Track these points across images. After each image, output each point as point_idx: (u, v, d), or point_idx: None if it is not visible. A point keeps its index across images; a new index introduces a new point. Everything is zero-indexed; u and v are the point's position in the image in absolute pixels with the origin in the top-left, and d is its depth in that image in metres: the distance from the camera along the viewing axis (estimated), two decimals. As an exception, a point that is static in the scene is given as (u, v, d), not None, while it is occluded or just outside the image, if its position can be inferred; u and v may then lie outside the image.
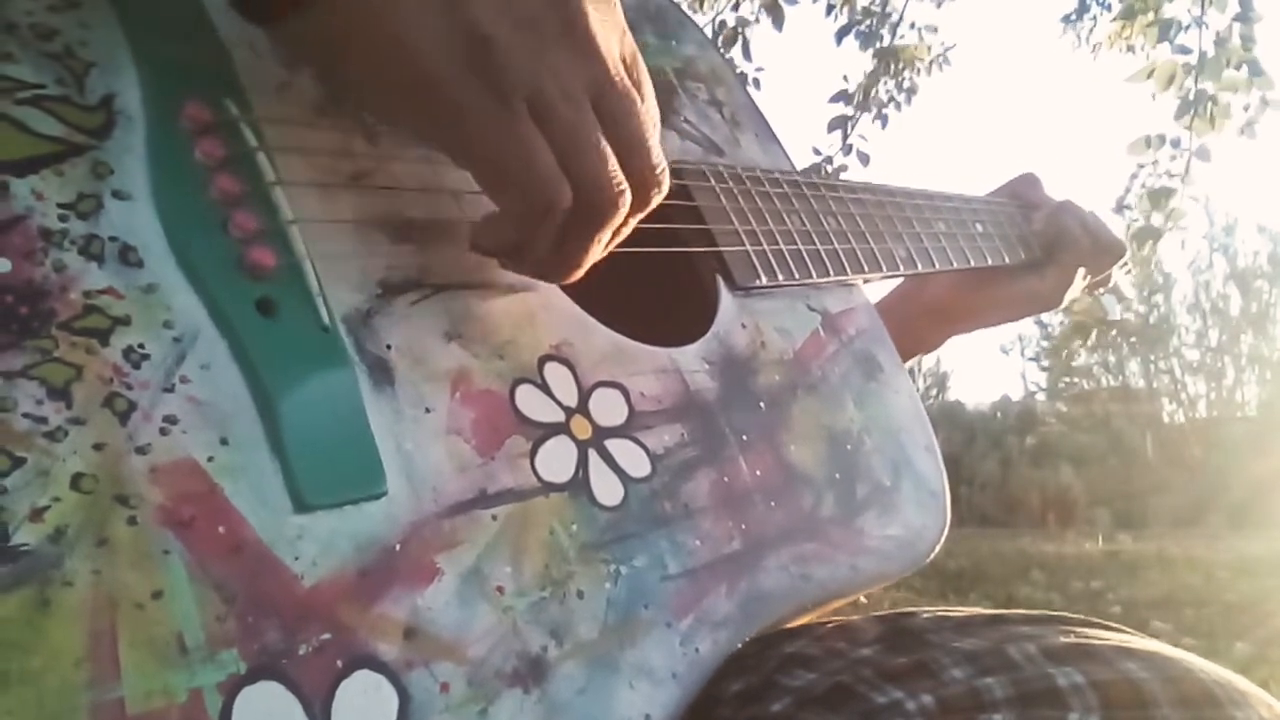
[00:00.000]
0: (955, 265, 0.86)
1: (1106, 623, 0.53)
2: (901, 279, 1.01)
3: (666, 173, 0.49)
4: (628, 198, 0.47)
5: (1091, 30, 3.41)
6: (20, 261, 0.38)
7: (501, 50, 0.42)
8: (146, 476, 0.37)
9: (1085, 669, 0.46)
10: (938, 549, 0.66)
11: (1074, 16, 3.46)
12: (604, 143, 0.46)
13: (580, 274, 0.50)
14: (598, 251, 0.49)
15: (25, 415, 0.36)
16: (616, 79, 0.46)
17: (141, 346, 0.39)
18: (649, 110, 0.48)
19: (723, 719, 0.52)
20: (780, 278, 0.68)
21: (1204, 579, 5.55)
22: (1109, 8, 3.34)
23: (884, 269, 0.77)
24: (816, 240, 0.73)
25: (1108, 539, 7.54)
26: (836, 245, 0.74)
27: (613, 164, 0.46)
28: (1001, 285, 0.98)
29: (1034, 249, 0.99)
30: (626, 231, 0.50)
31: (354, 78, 0.45)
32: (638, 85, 0.48)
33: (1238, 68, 2.45)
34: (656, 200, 0.49)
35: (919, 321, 0.99)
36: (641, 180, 0.48)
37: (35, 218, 0.39)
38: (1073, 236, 0.99)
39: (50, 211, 0.40)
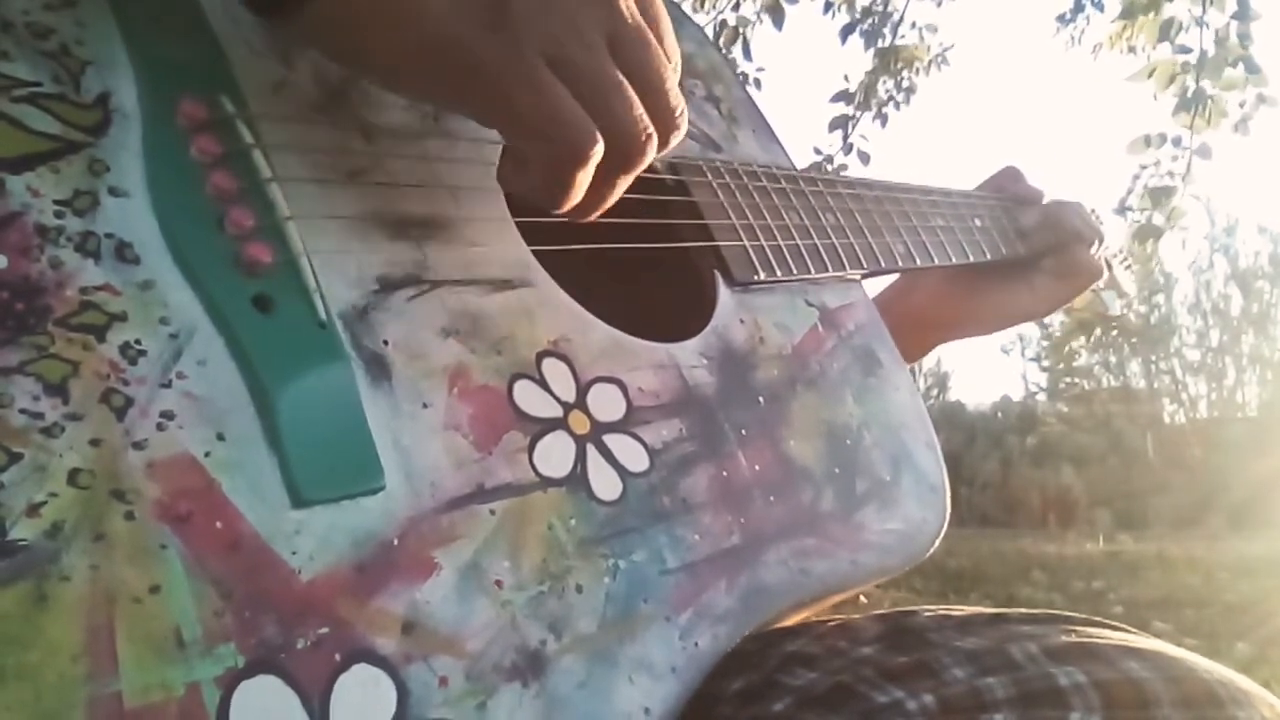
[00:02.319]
0: (954, 260, 0.86)
1: (1108, 622, 0.53)
2: (888, 285, 1.00)
3: (685, 114, 0.49)
4: (655, 139, 0.47)
5: (1084, 30, 3.42)
6: (16, 258, 0.38)
7: (515, 7, 0.43)
8: (143, 472, 0.37)
9: (1087, 668, 0.46)
10: (938, 543, 0.66)
11: (1069, 16, 3.46)
12: (626, 86, 0.46)
13: (599, 214, 0.50)
14: (619, 192, 0.49)
15: (22, 411, 0.36)
16: (631, 22, 0.46)
17: (138, 343, 0.39)
18: (667, 48, 0.48)
19: (723, 718, 0.52)
20: (778, 273, 0.68)
21: (1205, 579, 5.54)
22: (1102, 8, 3.34)
23: (882, 264, 0.77)
24: (814, 235, 0.73)
25: (1108, 539, 7.54)
26: (835, 240, 0.74)
27: (637, 106, 0.46)
28: (987, 295, 0.97)
29: (1017, 246, 0.98)
30: (640, 170, 0.50)
31: (373, 53, 0.45)
32: (653, 23, 0.48)
33: (1234, 65, 2.46)
34: (675, 140, 0.50)
35: (901, 329, 0.98)
36: (663, 120, 0.48)
37: (31, 214, 0.39)
38: (1075, 231, 0.98)
39: (46, 208, 0.40)
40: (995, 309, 0.98)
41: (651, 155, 0.48)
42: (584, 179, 0.47)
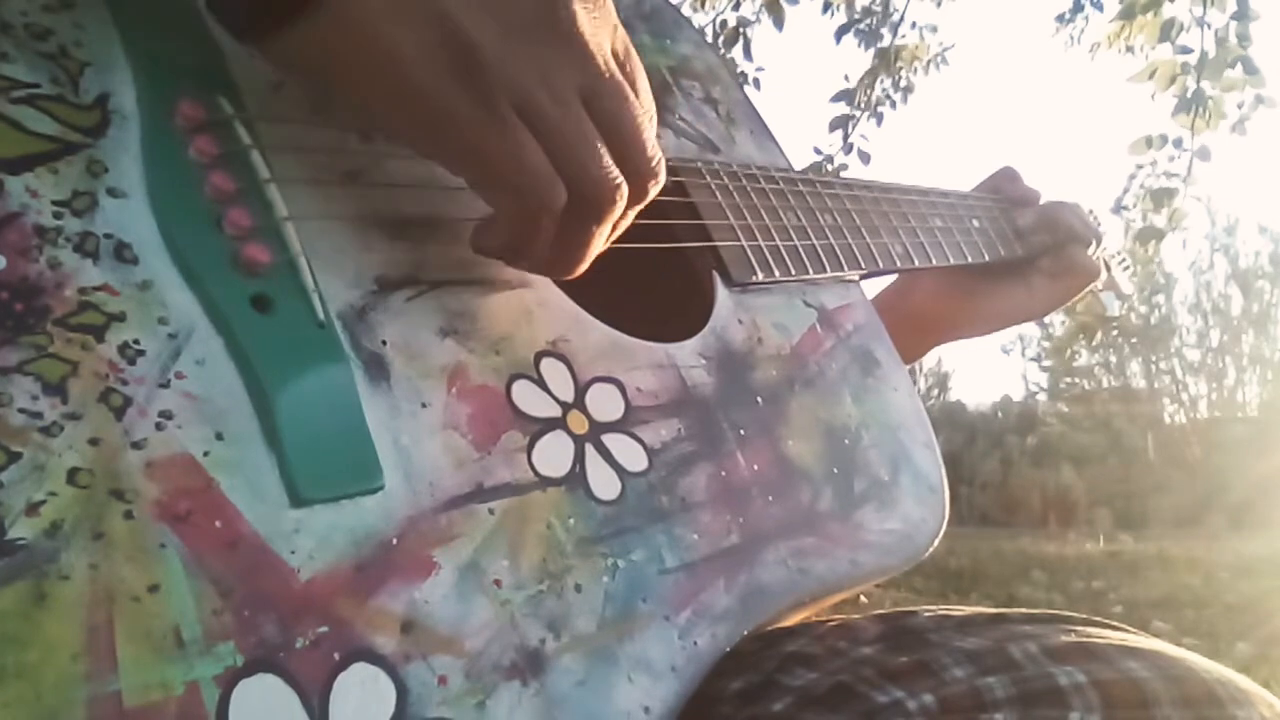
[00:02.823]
0: (952, 261, 0.86)
1: (1108, 622, 0.53)
2: (886, 287, 1.00)
3: (663, 164, 0.49)
4: (624, 191, 0.47)
5: (1083, 30, 3.42)
6: (15, 258, 0.38)
7: (486, 55, 0.42)
8: (142, 471, 0.37)
9: (1087, 668, 0.45)
10: (936, 543, 0.66)
11: (1067, 16, 3.47)
12: (596, 139, 0.46)
13: (583, 268, 0.50)
14: (599, 245, 0.49)
15: (21, 410, 0.36)
16: (606, 75, 0.46)
17: (137, 342, 0.40)
18: (643, 103, 0.48)
19: (723, 717, 0.52)
20: (777, 273, 0.68)
21: (1205, 579, 5.54)
22: (1101, 7, 3.35)
23: (880, 265, 0.77)
24: (813, 236, 0.73)
25: (1108, 539, 7.53)
26: (833, 241, 0.74)
27: (606, 159, 0.46)
28: (986, 296, 0.97)
29: (1015, 247, 0.98)
30: (626, 224, 0.50)
31: (343, 91, 0.45)
32: (631, 79, 0.48)
33: (1232, 66, 2.46)
34: (654, 192, 0.50)
35: (901, 331, 0.98)
36: (637, 172, 0.48)
37: (30, 215, 0.39)
38: (1072, 231, 0.98)
39: (45, 209, 0.40)
40: (993, 310, 0.98)
41: (623, 207, 0.48)
42: (547, 233, 0.47)
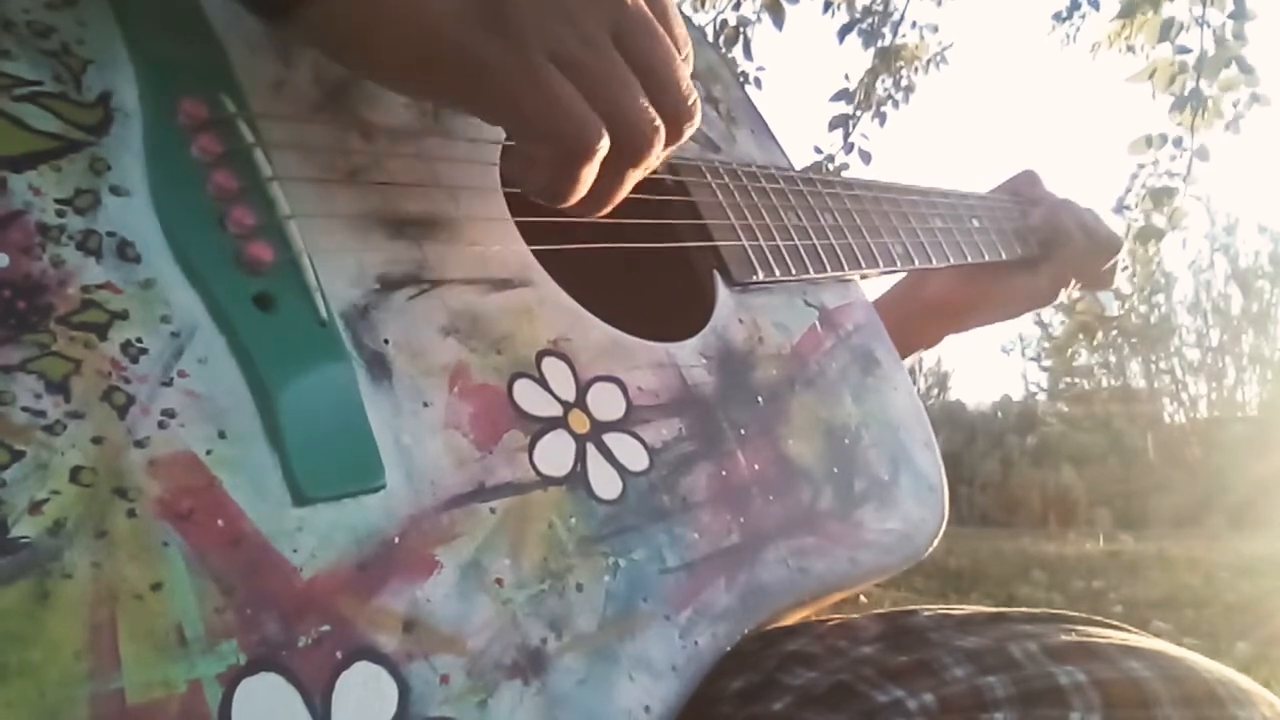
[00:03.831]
0: (952, 261, 0.86)
1: (1108, 621, 0.53)
2: (901, 276, 1.01)
3: (698, 103, 0.49)
4: (662, 131, 0.47)
5: (1079, 29, 3.43)
6: (18, 256, 0.38)
7: (516, 6, 0.43)
8: (145, 469, 0.37)
9: (1087, 667, 0.45)
10: (936, 543, 0.66)
11: (1065, 14, 3.47)
12: (632, 79, 0.46)
13: (613, 206, 0.50)
14: (631, 185, 0.49)
15: (24, 409, 0.36)
16: (635, 14, 0.46)
17: (139, 341, 0.40)
18: (676, 36, 0.48)
19: (723, 717, 0.52)
20: (777, 273, 0.68)
21: (1205, 579, 5.53)
22: (1098, 6, 3.35)
23: (880, 265, 0.77)
24: (813, 236, 0.73)
25: (1108, 539, 7.53)
26: (833, 241, 0.74)
27: (642, 99, 0.46)
28: (998, 283, 0.98)
29: (1031, 244, 0.99)
30: (658, 164, 0.50)
31: (376, 56, 0.45)
32: (662, 16, 0.48)
33: (1227, 65, 2.47)
34: (689, 131, 0.50)
35: (917, 319, 0.99)
36: (673, 112, 0.48)
37: (33, 213, 0.39)
38: (1067, 233, 0.99)
39: (48, 207, 0.40)
40: (1005, 296, 0.99)
41: (661, 147, 0.48)
42: (590, 175, 0.47)
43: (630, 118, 0.46)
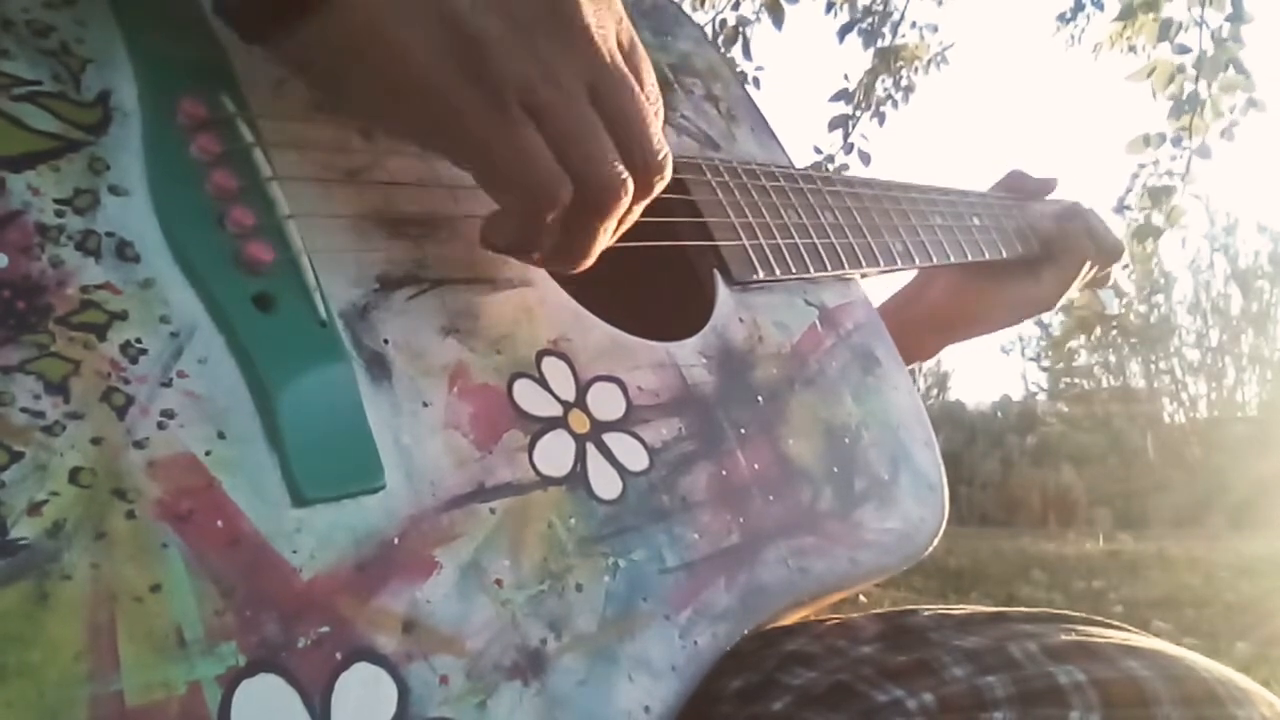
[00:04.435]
0: (953, 259, 0.86)
1: (1108, 621, 0.53)
2: (902, 287, 1.02)
3: (669, 158, 0.49)
4: (630, 186, 0.47)
5: (1084, 30, 3.43)
6: (17, 256, 0.38)
7: (492, 51, 0.43)
8: (144, 470, 0.37)
9: (1087, 667, 0.45)
10: (936, 542, 0.66)
11: (1069, 15, 3.47)
12: (603, 133, 0.46)
13: (589, 263, 0.50)
14: (605, 240, 0.49)
15: (23, 410, 0.36)
16: (612, 68, 0.46)
17: (139, 341, 0.39)
18: (649, 96, 0.48)
19: (723, 717, 0.52)
20: (777, 272, 0.68)
21: (1205, 579, 5.54)
22: (1102, 7, 3.35)
23: (881, 263, 0.77)
24: (814, 234, 0.73)
25: (1108, 539, 7.53)
26: (834, 239, 0.74)
27: (612, 154, 0.46)
28: (998, 290, 0.98)
29: (1032, 243, 0.99)
30: (632, 219, 0.50)
31: (350, 89, 0.45)
32: (636, 72, 0.48)
33: (1226, 67, 2.47)
34: (659, 187, 0.50)
35: (917, 328, 0.99)
36: (644, 167, 0.48)
37: (32, 213, 0.39)
38: (1079, 240, 0.99)
39: (47, 207, 0.40)
40: (1007, 302, 0.99)
41: (629, 201, 0.48)
42: (554, 226, 0.47)
43: (599, 173, 0.46)
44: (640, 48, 0.49)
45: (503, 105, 0.43)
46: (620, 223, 0.49)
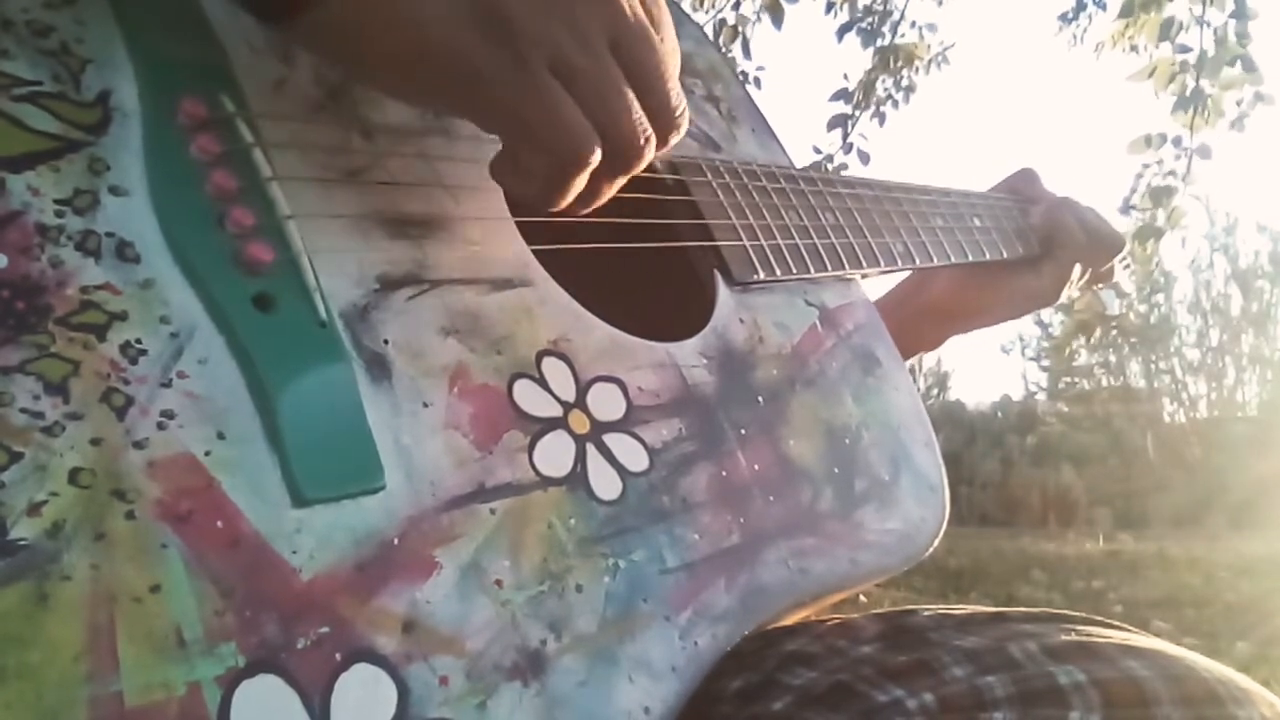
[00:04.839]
0: (953, 259, 0.86)
1: (1108, 621, 0.53)
2: (902, 280, 1.01)
3: (686, 113, 0.49)
4: (654, 141, 0.48)
5: (1086, 29, 3.43)
6: (17, 257, 0.38)
7: (515, 12, 0.43)
8: (144, 471, 0.37)
9: (1087, 667, 0.45)
10: (936, 543, 0.66)
11: (1071, 15, 3.47)
12: (627, 89, 0.46)
13: (594, 208, 0.50)
14: (616, 188, 0.50)
15: (23, 410, 0.36)
16: (632, 19, 0.46)
17: (139, 342, 0.39)
18: (668, 48, 0.48)
19: (723, 717, 0.52)
20: (778, 272, 0.68)
21: (1205, 579, 5.53)
22: (1104, 7, 3.35)
23: (882, 264, 0.77)
24: (814, 235, 0.73)
25: (1108, 539, 7.52)
26: (834, 240, 0.74)
27: (637, 109, 0.46)
28: (1000, 283, 0.98)
29: (1032, 243, 0.99)
30: (641, 169, 0.50)
31: (374, 61, 0.45)
32: (655, 23, 0.48)
33: (1231, 64, 2.47)
34: (674, 140, 0.50)
35: (919, 321, 0.99)
36: (663, 121, 0.48)
37: (32, 213, 0.39)
38: (1069, 231, 0.99)
39: (47, 207, 0.40)
40: (1008, 296, 0.99)
41: (650, 156, 0.48)
42: (581, 182, 0.47)
43: (624, 129, 0.46)
44: (660, 2, 0.49)
45: (529, 66, 0.43)
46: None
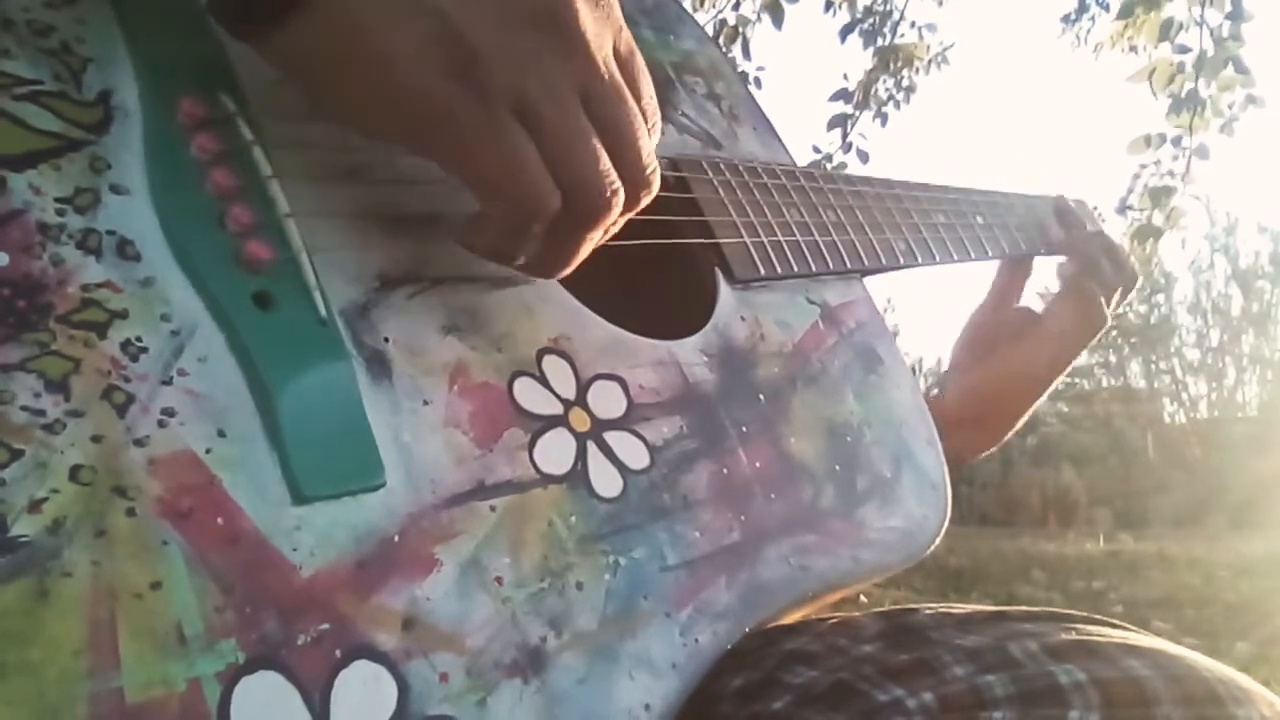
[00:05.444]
0: (955, 257, 0.86)
1: (1108, 620, 0.53)
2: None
3: (657, 173, 0.48)
4: (620, 198, 0.46)
5: (1089, 30, 3.43)
6: (18, 255, 0.38)
7: (485, 57, 0.42)
8: (145, 468, 0.37)
9: (1087, 666, 0.45)
10: (938, 541, 0.66)
11: (1073, 16, 3.47)
12: (595, 144, 0.45)
13: (570, 270, 0.50)
14: (587, 249, 0.49)
15: (23, 408, 0.36)
16: (606, 77, 0.45)
17: (139, 339, 0.39)
18: (645, 109, 0.48)
19: (724, 715, 0.52)
20: (779, 270, 0.68)
21: (1205, 579, 5.54)
22: (1107, 7, 3.35)
23: (883, 261, 0.77)
24: (815, 233, 0.73)
25: (1108, 539, 7.53)
26: (836, 237, 0.74)
27: (604, 164, 0.45)
28: (1011, 355, 0.95)
29: (1035, 240, 0.98)
30: (616, 229, 0.49)
31: (338, 95, 0.44)
32: (632, 82, 0.47)
33: (1226, 65, 2.47)
34: (645, 200, 0.49)
35: (953, 438, 0.93)
36: (631, 180, 0.47)
37: (33, 212, 0.39)
38: (1095, 264, 0.97)
39: (48, 206, 0.40)
40: (1023, 365, 0.95)
41: (617, 213, 0.47)
42: (538, 236, 0.46)
43: (589, 185, 0.45)
44: (639, 58, 0.48)
45: (494, 112, 0.42)
46: (604, 233, 0.48)
